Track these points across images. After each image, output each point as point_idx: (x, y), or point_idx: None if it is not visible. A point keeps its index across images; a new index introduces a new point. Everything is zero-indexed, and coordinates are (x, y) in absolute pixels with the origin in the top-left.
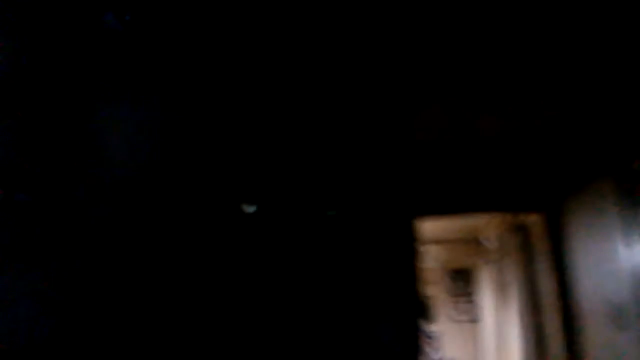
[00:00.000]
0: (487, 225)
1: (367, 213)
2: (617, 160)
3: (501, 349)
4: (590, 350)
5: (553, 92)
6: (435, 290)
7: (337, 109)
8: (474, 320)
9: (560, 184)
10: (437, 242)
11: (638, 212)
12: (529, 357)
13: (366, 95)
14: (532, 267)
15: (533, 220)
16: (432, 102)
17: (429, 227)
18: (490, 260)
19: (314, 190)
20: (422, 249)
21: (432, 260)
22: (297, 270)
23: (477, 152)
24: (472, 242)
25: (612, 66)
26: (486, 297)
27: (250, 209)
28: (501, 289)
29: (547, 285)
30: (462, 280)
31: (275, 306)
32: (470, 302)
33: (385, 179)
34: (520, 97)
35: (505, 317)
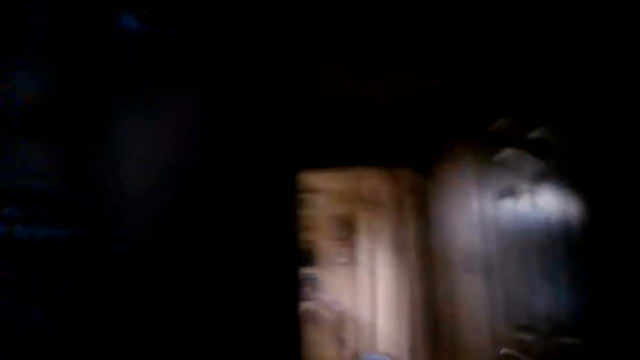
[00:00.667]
0: (366, 178)
1: (253, 163)
2: (475, 123)
3: (373, 288)
4: (441, 288)
5: (423, 59)
6: (319, 236)
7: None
8: (352, 263)
9: (429, 142)
10: (323, 192)
11: (490, 172)
12: (396, 295)
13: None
14: (402, 216)
15: (404, 174)
16: (327, 63)
17: (317, 179)
18: (367, 209)
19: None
20: (308, 198)
21: (317, 208)
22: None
23: (358, 113)
24: (354, 193)
25: (474, 31)
26: (363, 242)
27: None
28: (374, 235)
29: (410, 233)
30: (343, 227)
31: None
32: (350, 246)
33: (274, 133)
34: (398, 62)
35: (377, 260)
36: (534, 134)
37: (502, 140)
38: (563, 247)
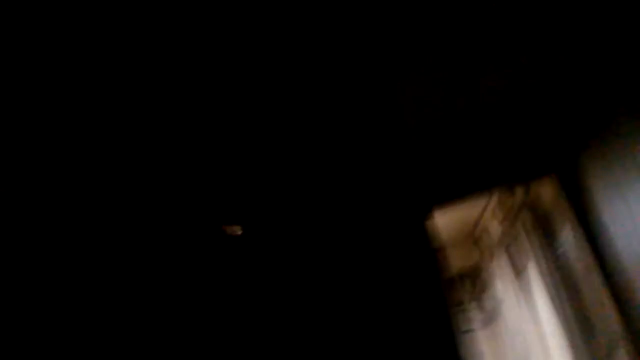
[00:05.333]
0: (486, 214)
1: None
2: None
3: (531, 353)
4: None
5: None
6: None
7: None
8: (489, 322)
9: (569, 137)
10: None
11: None
12: (576, 350)
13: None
14: (553, 242)
15: (544, 187)
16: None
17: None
18: (496, 252)
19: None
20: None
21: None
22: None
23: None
24: (469, 238)
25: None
26: (502, 292)
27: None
28: (518, 280)
29: (578, 257)
30: (468, 285)
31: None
32: (485, 308)
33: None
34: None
35: (531, 311)
36: None
37: None
38: None
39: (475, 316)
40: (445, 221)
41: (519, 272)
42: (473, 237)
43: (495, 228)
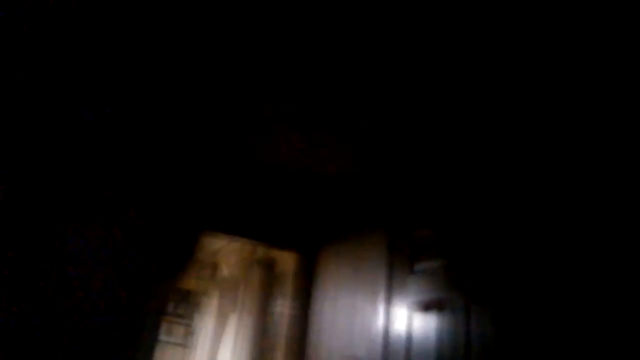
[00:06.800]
0: (225, 247)
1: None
2: (392, 220)
3: None
4: None
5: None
6: None
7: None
8: (186, 345)
9: (322, 227)
10: None
11: (398, 273)
12: None
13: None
14: (271, 305)
15: (284, 256)
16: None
17: None
18: (223, 287)
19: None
20: None
21: None
22: None
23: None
24: (209, 265)
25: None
26: (207, 324)
27: None
28: (225, 320)
29: (284, 326)
30: (185, 303)
31: None
32: (188, 326)
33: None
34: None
35: (223, 349)
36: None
37: (427, 248)
38: None
39: (179, 332)
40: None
41: (229, 316)
42: (206, 266)
43: (226, 267)
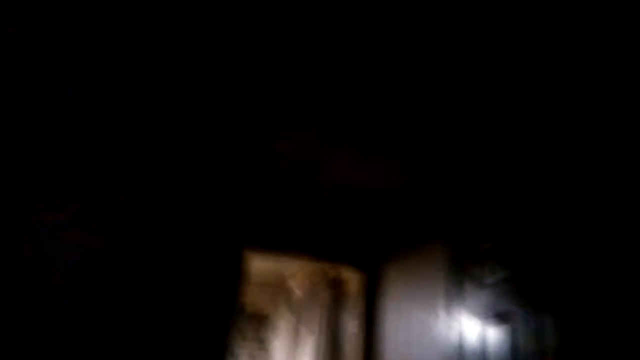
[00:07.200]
0: (297, 273)
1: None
2: (454, 234)
3: None
4: None
5: (394, 155)
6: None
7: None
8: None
9: (382, 244)
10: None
11: (462, 286)
12: None
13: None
14: (340, 323)
15: (350, 276)
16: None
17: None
18: (294, 308)
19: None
20: None
21: None
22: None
23: (313, 201)
24: (278, 287)
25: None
26: (281, 345)
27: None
28: (299, 339)
29: (353, 344)
30: (257, 325)
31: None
32: (263, 349)
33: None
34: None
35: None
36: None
37: (491, 260)
38: None
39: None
40: (260, 267)
41: (301, 337)
42: (277, 288)
43: (298, 290)
